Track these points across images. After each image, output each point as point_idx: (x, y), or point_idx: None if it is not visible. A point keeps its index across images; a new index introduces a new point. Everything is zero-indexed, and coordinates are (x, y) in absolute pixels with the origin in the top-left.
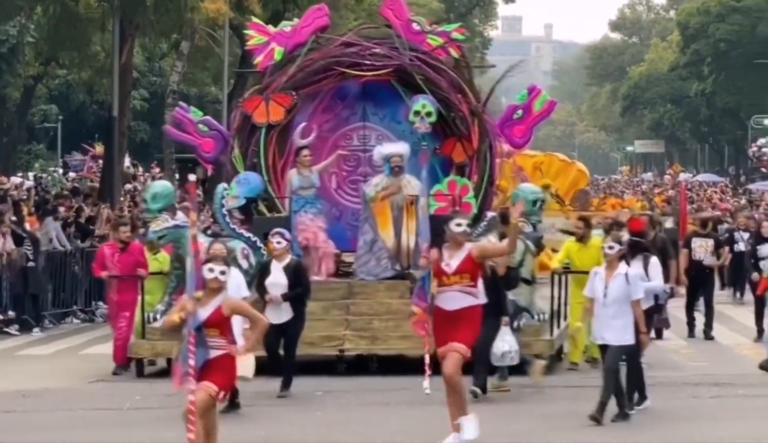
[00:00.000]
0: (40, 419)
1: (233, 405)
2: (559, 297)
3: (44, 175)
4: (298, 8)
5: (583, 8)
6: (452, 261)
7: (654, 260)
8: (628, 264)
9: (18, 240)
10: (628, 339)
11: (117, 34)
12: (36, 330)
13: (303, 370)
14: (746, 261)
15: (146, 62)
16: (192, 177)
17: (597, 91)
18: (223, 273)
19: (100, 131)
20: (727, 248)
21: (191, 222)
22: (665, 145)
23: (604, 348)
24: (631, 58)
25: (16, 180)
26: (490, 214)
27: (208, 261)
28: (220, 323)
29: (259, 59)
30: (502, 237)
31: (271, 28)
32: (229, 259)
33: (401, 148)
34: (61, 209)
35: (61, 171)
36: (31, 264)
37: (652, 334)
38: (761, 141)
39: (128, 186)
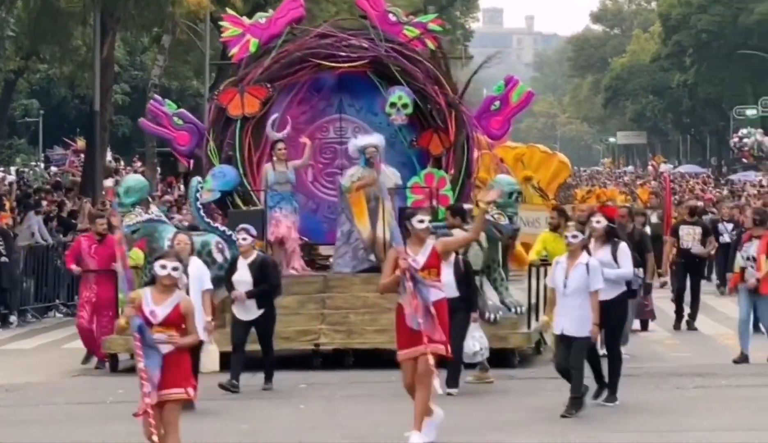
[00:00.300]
0: (24, 413)
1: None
2: (537, 290)
3: (26, 170)
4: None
5: (565, 0)
6: (419, 257)
7: (623, 246)
8: (589, 253)
9: None
10: (588, 331)
11: (98, 28)
12: (12, 318)
13: (280, 365)
14: (731, 252)
15: (127, 56)
16: (109, 181)
17: (579, 82)
18: (175, 269)
19: (81, 125)
20: (712, 237)
21: (115, 223)
22: (647, 136)
23: (562, 338)
24: (613, 50)
25: None
26: (466, 207)
27: (159, 258)
28: (176, 322)
29: (234, 51)
30: (450, 227)
31: (245, 19)
32: (194, 252)
33: (376, 139)
34: (43, 203)
35: (42, 165)
36: (4, 259)
37: (637, 326)
38: (742, 131)
39: (110, 179)
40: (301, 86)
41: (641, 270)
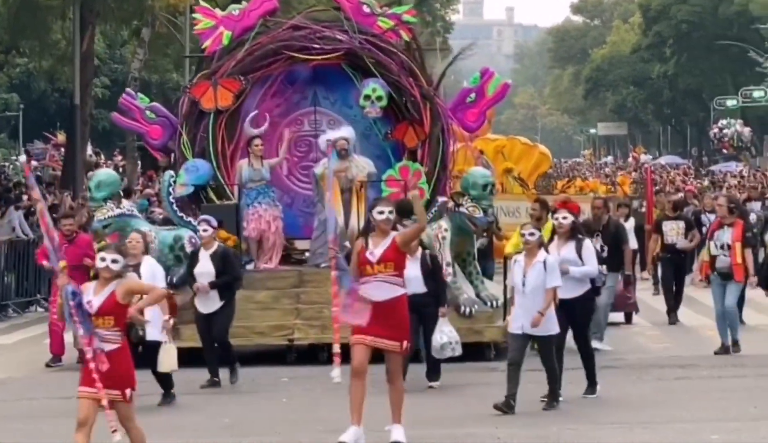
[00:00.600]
0: (5, 408)
1: (168, 395)
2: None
3: (6, 164)
4: None
5: None
6: (376, 249)
7: (587, 243)
8: (547, 251)
9: None
10: (551, 328)
11: (77, 21)
12: None
13: (256, 360)
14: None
15: (107, 50)
16: (22, 157)
17: (559, 73)
18: (115, 261)
19: (61, 119)
20: (696, 230)
21: (34, 198)
22: (628, 127)
23: (521, 337)
24: (593, 41)
25: None
26: (441, 199)
27: (99, 250)
28: (114, 310)
29: (207, 43)
30: (394, 227)
31: (218, 11)
32: (165, 247)
33: (345, 132)
34: (24, 198)
35: (24, 159)
36: None
37: (622, 318)
38: (722, 122)
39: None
40: (275, 79)
41: (605, 267)
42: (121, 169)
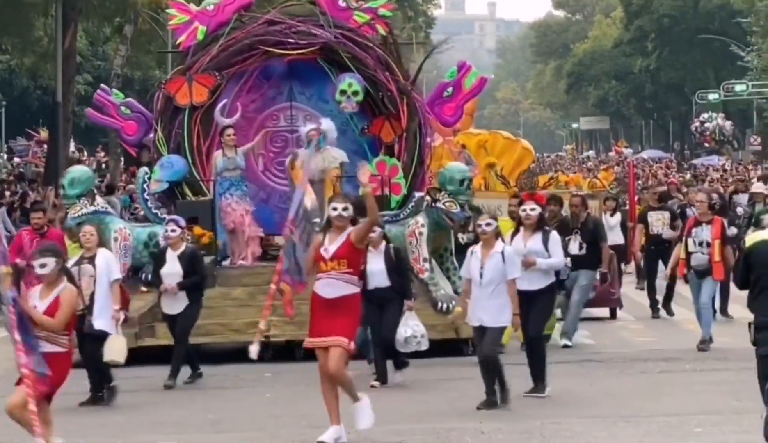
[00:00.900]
0: None
1: (110, 389)
2: None
3: None
4: None
5: None
6: (331, 246)
7: (554, 235)
8: (503, 241)
9: None
10: (505, 320)
11: (60, 18)
12: None
13: (234, 358)
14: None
15: (90, 46)
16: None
17: (542, 68)
18: (42, 266)
19: (44, 116)
20: (679, 221)
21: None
22: (610, 121)
23: (481, 330)
24: (575, 35)
25: None
26: (418, 195)
27: (34, 254)
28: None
29: (181, 39)
30: (353, 222)
31: (193, 6)
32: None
33: (324, 124)
34: (6, 194)
35: (5, 156)
36: None
37: (607, 313)
38: (703, 116)
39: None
40: (250, 74)
41: (569, 259)
42: (104, 166)
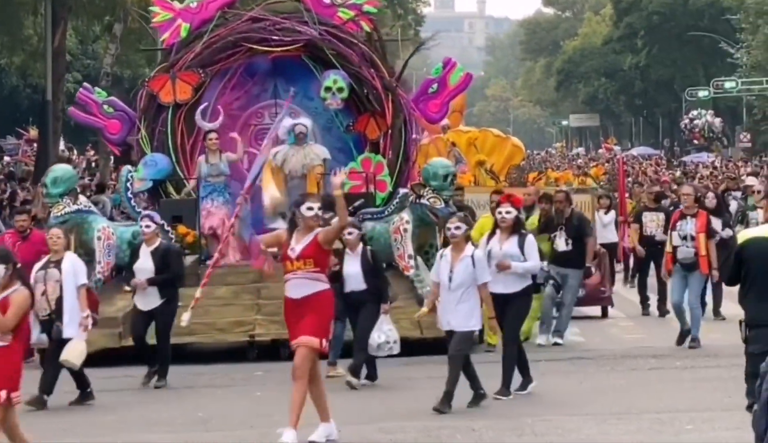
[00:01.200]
0: None
1: (85, 395)
2: None
3: None
4: None
5: None
6: (297, 246)
7: (530, 238)
8: (472, 244)
9: None
10: (473, 325)
11: (49, 17)
12: None
13: (219, 357)
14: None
15: (79, 45)
16: None
17: (531, 65)
18: None
19: (34, 115)
20: None
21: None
22: (600, 118)
23: (450, 334)
24: (565, 33)
25: None
26: (402, 191)
27: None
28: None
29: (165, 36)
30: (325, 223)
31: (176, 4)
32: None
33: (305, 120)
34: None
35: None
36: None
37: (598, 312)
38: (693, 113)
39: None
40: (234, 71)
41: (546, 262)
42: (93, 164)
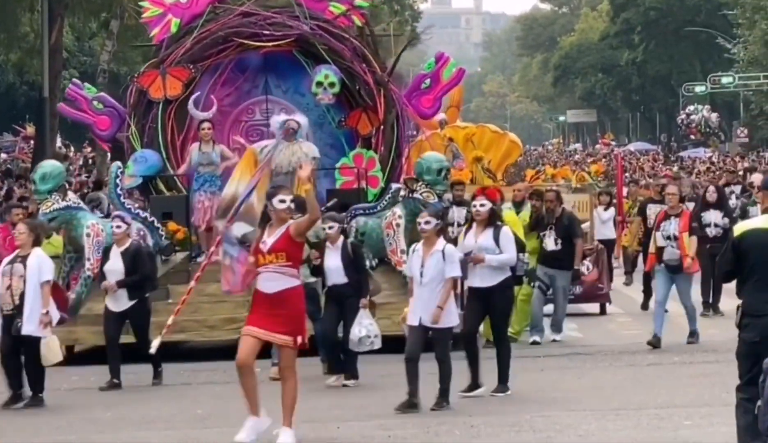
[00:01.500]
0: None
1: (36, 398)
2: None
3: None
4: None
5: None
6: (269, 239)
7: (506, 230)
8: (445, 238)
9: None
10: (450, 321)
11: (46, 14)
12: None
13: (210, 355)
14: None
15: (76, 42)
16: None
17: (528, 61)
18: None
19: (31, 112)
20: None
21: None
22: (597, 114)
23: (418, 329)
24: (562, 28)
25: None
26: (394, 186)
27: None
28: None
29: (155, 32)
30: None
31: None
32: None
33: (299, 117)
34: None
35: None
36: None
37: (597, 309)
38: (689, 108)
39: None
40: (225, 67)
41: (526, 255)
42: (90, 161)
